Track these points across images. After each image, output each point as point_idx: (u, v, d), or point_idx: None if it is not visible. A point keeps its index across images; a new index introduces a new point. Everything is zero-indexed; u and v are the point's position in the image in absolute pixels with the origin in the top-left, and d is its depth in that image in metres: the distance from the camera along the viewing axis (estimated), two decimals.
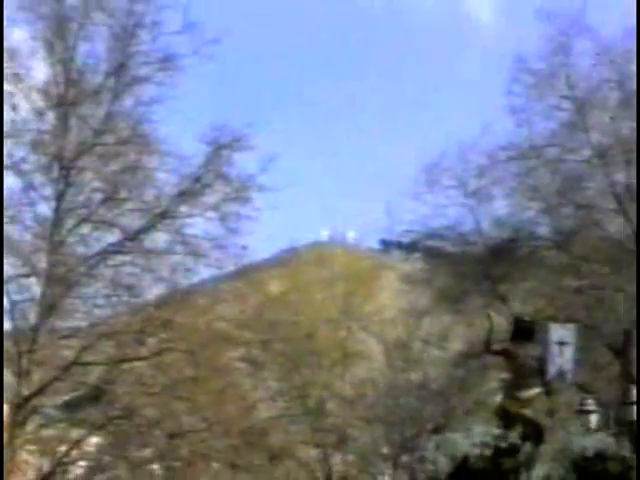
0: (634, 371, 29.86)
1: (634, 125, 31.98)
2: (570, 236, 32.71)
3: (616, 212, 32.24)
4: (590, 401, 22.98)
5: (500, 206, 34.67)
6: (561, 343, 18.98)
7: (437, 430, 35.82)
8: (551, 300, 31.79)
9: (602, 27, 32.75)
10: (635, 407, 22.13)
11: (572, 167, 33.18)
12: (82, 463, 31.13)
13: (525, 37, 39.56)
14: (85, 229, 29.42)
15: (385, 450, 43.34)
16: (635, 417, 21.72)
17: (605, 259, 31.69)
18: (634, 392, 22.73)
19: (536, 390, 18.36)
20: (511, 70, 32.99)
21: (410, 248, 40.35)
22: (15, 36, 29.05)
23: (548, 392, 18.71)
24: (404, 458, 41.69)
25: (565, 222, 33.36)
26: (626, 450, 18.11)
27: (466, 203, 34.49)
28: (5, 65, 28.31)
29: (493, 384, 33.93)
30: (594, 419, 23.02)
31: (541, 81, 33.16)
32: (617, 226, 32.63)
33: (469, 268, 34.31)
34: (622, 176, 32.17)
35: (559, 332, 19.33)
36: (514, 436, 17.51)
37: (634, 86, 32.02)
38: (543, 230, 34.32)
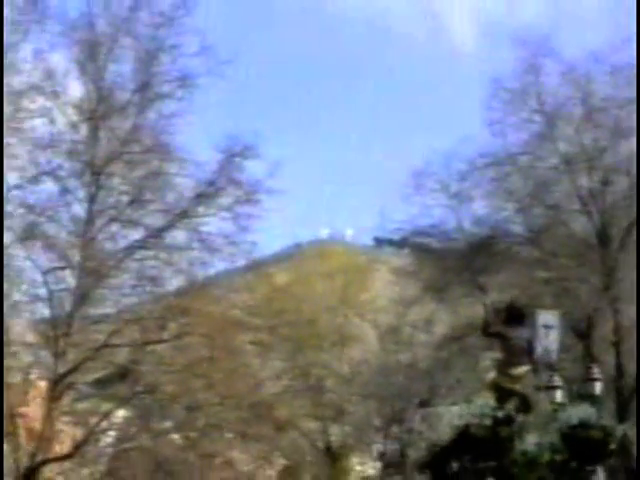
0: (595, 351, 30.50)
1: (596, 136, 32.52)
2: (540, 233, 32.74)
3: (580, 212, 32.44)
4: (556, 378, 23.20)
5: (479, 207, 34.70)
6: (547, 327, 19.24)
7: (423, 404, 36.31)
8: (524, 290, 31.91)
9: (567, 50, 33.23)
10: (597, 383, 22.56)
11: (542, 173, 33.20)
12: (111, 433, 31.50)
13: (501, 60, 39.91)
14: (114, 227, 29.72)
15: (377, 422, 43.30)
16: (597, 392, 22.18)
17: (571, 254, 31.82)
18: (595, 370, 23.15)
19: (525, 368, 18.73)
20: (489, 88, 33.25)
21: (400, 244, 40.21)
22: (53, 58, 29.41)
23: (535, 369, 19.05)
24: (394, 429, 41.97)
25: (536, 221, 33.38)
26: (606, 419, 18.50)
27: (449, 204, 34.45)
28: (44, 84, 28.57)
29: (474, 364, 34.42)
30: (559, 394, 23.31)
31: (515, 97, 33.31)
32: (581, 224, 32.81)
33: (452, 262, 34.20)
34: (585, 181, 32.38)
35: (545, 317, 19.60)
36: (510, 408, 17.85)
37: (596, 102, 32.47)
38: (517, 228, 34.23)
